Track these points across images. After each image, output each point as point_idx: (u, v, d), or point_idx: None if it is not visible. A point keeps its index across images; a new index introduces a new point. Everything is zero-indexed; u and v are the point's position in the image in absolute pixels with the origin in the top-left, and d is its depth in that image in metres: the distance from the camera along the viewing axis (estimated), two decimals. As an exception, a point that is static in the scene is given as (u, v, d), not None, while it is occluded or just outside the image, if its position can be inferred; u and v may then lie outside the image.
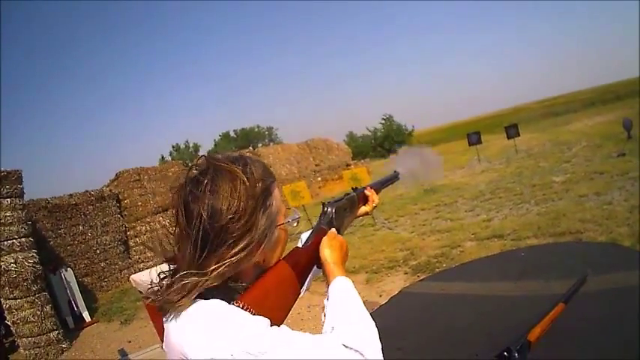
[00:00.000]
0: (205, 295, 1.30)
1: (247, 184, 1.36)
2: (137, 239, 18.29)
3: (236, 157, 1.47)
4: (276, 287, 1.45)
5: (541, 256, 3.42)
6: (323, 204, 1.87)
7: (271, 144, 58.84)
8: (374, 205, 2.26)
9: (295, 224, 1.59)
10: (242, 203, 1.34)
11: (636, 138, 16.58)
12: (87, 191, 17.10)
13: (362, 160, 35.86)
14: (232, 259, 1.32)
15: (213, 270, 1.30)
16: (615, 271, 2.62)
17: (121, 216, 18.17)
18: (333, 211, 1.83)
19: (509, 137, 24.23)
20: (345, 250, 1.68)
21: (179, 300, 1.27)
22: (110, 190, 18.16)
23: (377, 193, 2.32)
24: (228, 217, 1.32)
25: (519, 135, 24.44)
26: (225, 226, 1.32)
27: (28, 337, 10.18)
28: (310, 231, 1.82)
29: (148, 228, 18.56)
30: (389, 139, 61.94)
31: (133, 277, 7.03)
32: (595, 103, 56.11)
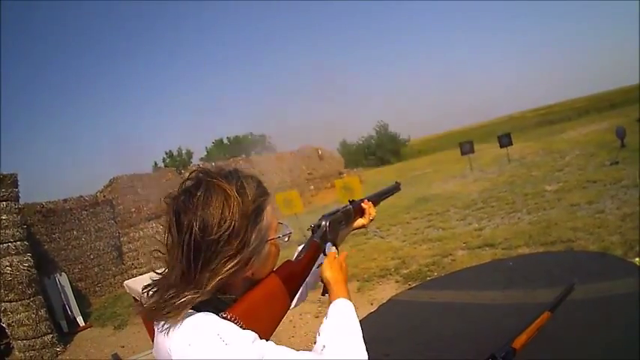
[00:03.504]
0: (195, 306, 1.33)
1: (240, 203, 1.39)
2: (130, 245, 18.42)
3: (230, 172, 1.49)
4: (266, 300, 1.48)
5: (529, 265, 3.44)
6: (322, 217, 1.88)
7: (264, 152, 58.64)
8: (370, 218, 2.28)
9: (286, 239, 1.60)
10: (235, 222, 1.36)
11: (629, 146, 16.61)
12: (81, 196, 17.10)
13: (354, 169, 35.83)
14: (225, 274, 1.35)
15: (208, 285, 1.33)
16: (603, 280, 2.64)
17: (115, 222, 18.14)
18: (327, 224, 1.85)
19: (502, 146, 24.32)
20: (345, 269, 1.73)
21: (175, 315, 1.29)
22: (104, 196, 18.13)
23: (375, 206, 2.34)
24: (220, 232, 1.34)
25: (512, 144, 24.51)
26: (216, 241, 1.34)
27: (23, 339, 10.19)
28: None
29: (142, 234, 18.69)
30: (382, 148, 61.87)
31: (127, 283, 7.04)
32: (590, 111, 56.03)
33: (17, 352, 10.33)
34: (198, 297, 1.31)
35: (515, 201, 13.47)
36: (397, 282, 9.22)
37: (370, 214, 2.27)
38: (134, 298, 6.87)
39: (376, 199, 2.43)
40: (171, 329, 1.30)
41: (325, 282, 1.66)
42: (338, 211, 2.01)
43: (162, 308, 1.32)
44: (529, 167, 20.27)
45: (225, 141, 71.58)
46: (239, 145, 69.44)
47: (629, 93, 50.61)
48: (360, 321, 1.53)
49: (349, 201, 2.19)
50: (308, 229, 1.87)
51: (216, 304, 1.37)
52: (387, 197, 2.63)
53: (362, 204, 2.25)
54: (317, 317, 8.31)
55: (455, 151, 30.41)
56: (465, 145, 25.03)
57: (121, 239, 18.29)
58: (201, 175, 1.46)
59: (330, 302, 1.58)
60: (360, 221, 2.25)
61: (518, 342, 1.83)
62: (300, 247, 1.83)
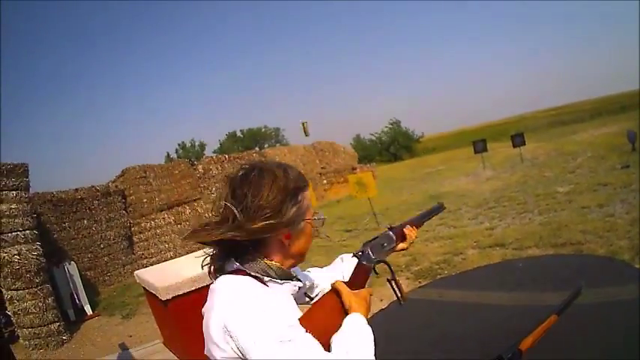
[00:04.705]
0: (246, 270, 1.68)
1: (284, 181, 1.73)
2: (141, 235, 18.37)
3: (279, 163, 1.85)
4: (324, 314, 1.74)
5: (538, 267, 3.42)
6: (363, 244, 2.10)
7: (278, 145, 58.42)
8: (411, 241, 2.33)
9: (321, 224, 1.89)
10: (278, 194, 1.70)
11: (640, 150, 16.52)
12: (93, 186, 17.01)
13: (368, 164, 35.72)
14: (263, 225, 1.65)
15: (251, 228, 1.64)
16: (609, 285, 2.62)
17: (126, 212, 18.10)
18: (370, 249, 2.08)
19: (515, 146, 24.25)
20: (369, 302, 1.87)
21: (219, 235, 1.64)
22: (116, 186, 18.07)
23: (418, 228, 2.39)
24: (268, 200, 1.67)
25: (525, 144, 24.43)
26: (263, 205, 1.66)
27: (28, 327, 10.17)
28: (348, 255, 2.28)
29: (153, 224, 18.66)
30: (395, 144, 61.80)
31: (137, 273, 7.02)
32: (601, 113, 55.65)
33: (22, 340, 10.32)
34: (237, 235, 1.63)
35: (526, 201, 13.51)
36: (408, 279, 9.17)
37: (411, 237, 2.32)
38: (144, 288, 6.85)
39: (419, 223, 2.44)
40: (225, 293, 1.60)
41: (347, 306, 1.75)
42: (377, 237, 2.15)
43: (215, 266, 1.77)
44: (541, 168, 20.30)
45: (239, 134, 71.54)
46: (253, 138, 69.47)
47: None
48: (369, 317, 1.73)
49: (389, 227, 2.23)
50: (353, 256, 2.11)
51: (263, 268, 1.71)
52: (429, 219, 2.60)
53: (404, 229, 2.29)
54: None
55: (468, 149, 30.46)
56: (479, 143, 25.29)
57: (132, 229, 18.24)
58: (254, 163, 1.82)
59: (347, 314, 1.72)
60: (401, 245, 2.29)
61: (525, 344, 1.87)
62: (345, 256, 2.31)
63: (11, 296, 10.15)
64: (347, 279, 2.00)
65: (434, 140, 70.96)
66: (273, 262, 1.74)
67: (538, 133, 42.29)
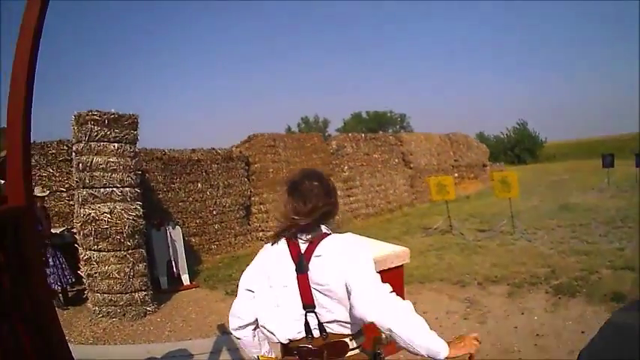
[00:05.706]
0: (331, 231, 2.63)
1: (332, 185, 2.70)
2: (261, 206, 16.58)
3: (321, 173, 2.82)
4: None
5: None
6: None
7: (402, 131, 57.26)
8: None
9: None
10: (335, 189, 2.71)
11: None
12: (213, 149, 15.39)
13: (496, 163, 34.82)
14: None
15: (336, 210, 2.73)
16: None
17: (248, 180, 16.38)
18: None
19: (637, 165, 22.16)
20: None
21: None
22: (240, 152, 16.38)
23: None
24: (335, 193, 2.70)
25: (646, 165, 22.58)
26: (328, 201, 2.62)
27: (105, 293, 8.58)
28: None
29: (277, 197, 16.61)
30: (520, 146, 60.01)
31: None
32: None
33: (91, 305, 8.75)
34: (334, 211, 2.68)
35: (649, 225, 12.27)
36: (547, 293, 8.22)
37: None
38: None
39: None
40: (331, 242, 2.45)
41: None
42: None
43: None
44: (656, 192, 18.95)
45: (364, 115, 71.91)
46: (377, 121, 69.47)
47: None
48: (586, 347, 2.36)
49: None
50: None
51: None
52: None
53: None
54: (465, 319, 7.50)
55: (590, 161, 31.62)
56: (607, 157, 23.52)
57: (252, 199, 16.51)
58: (317, 172, 2.77)
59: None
60: None
61: None
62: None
63: (89, 257, 8.56)
64: None
65: (553, 147, 68.50)
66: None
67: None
